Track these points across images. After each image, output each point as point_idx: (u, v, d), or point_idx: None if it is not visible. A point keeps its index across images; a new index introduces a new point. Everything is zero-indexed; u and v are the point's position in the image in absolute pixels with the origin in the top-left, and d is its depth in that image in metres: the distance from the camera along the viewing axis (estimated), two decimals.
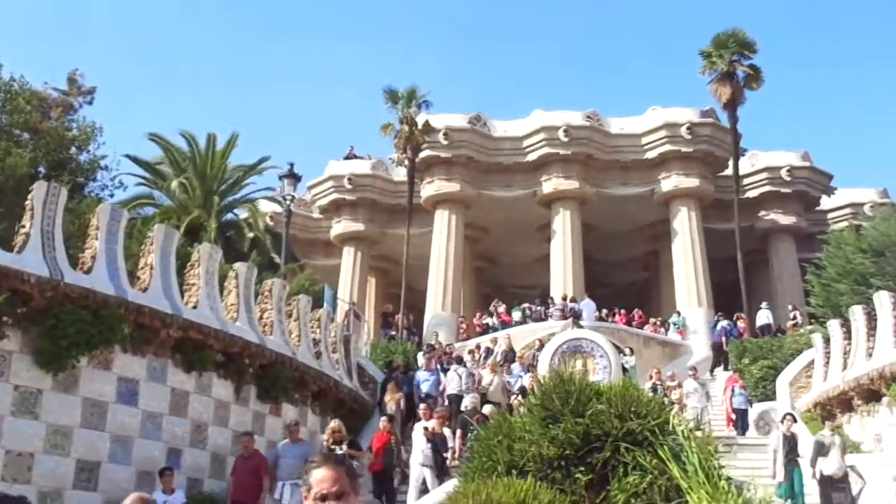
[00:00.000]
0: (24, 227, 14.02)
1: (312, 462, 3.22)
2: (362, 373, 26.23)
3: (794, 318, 34.88)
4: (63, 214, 14.72)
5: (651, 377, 24.19)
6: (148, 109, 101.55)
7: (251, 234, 34.39)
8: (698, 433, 13.99)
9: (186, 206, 33.27)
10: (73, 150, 30.59)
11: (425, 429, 17.38)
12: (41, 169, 28.16)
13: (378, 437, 18.12)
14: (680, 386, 24.55)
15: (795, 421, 18.61)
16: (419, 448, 17.13)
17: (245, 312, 18.57)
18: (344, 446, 16.70)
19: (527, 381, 22.16)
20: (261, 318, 19.65)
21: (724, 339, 33.23)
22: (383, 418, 18.83)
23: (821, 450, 16.34)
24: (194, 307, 16.97)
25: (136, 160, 34.91)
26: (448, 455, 17.65)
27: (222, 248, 21.38)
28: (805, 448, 17.63)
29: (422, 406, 19.33)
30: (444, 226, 41.43)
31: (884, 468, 16.58)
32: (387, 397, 22.08)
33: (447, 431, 18.30)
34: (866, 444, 19.44)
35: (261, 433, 18.42)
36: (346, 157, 47.02)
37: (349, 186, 44.54)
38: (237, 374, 17.85)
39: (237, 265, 19.62)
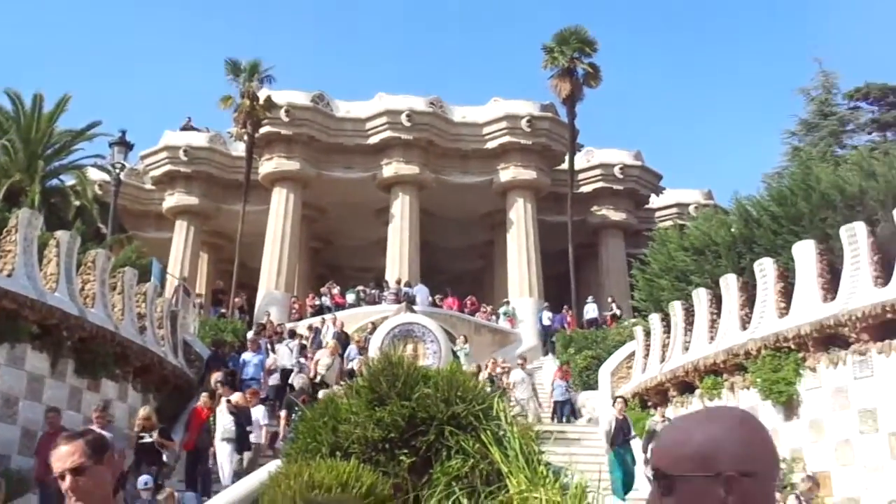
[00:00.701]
0: None
1: None
2: (189, 350, 25.57)
3: (612, 310, 36.19)
4: None
5: (487, 366, 24.41)
6: None
7: (77, 203, 32.87)
8: (521, 419, 14.28)
9: (7, 170, 31.48)
10: None
11: (228, 401, 16.98)
12: None
13: (196, 412, 17.52)
14: (507, 373, 24.96)
15: (627, 404, 19.17)
16: (222, 423, 16.75)
17: (65, 283, 17.77)
18: (154, 434, 16.06)
19: (357, 364, 22.11)
20: (82, 289, 18.84)
21: (563, 326, 34.31)
22: (204, 394, 18.28)
23: (653, 436, 16.79)
24: (9, 275, 16.12)
25: None
26: (252, 430, 17.32)
27: (45, 216, 20.41)
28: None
29: (218, 382, 18.88)
30: (281, 204, 40.81)
31: None
32: (211, 375, 21.58)
33: (261, 409, 17.97)
34: None
35: (77, 409, 17.68)
36: (183, 128, 45.56)
37: (185, 158, 43.22)
38: (54, 346, 17.06)
39: (59, 233, 18.74)
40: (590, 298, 37.67)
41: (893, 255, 17.78)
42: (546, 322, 35.91)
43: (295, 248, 40.62)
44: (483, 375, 22.19)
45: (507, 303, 37.94)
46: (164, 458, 15.89)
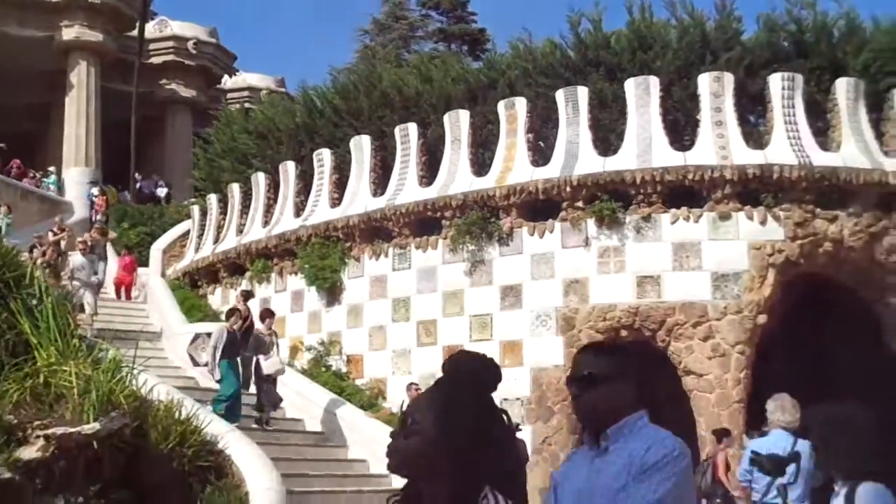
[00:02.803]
0: None
1: None
2: None
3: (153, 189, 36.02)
4: None
5: (45, 253, 21.46)
6: None
7: None
8: (60, 292, 13.66)
9: None
10: None
11: None
12: None
13: None
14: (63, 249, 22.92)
15: (242, 316, 17.61)
16: None
17: None
18: None
19: None
20: None
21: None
22: None
23: (260, 347, 15.94)
24: None
25: None
26: None
27: None
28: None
29: None
30: None
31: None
32: None
33: None
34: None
35: None
36: None
37: None
38: None
39: None
40: (157, 181, 36.95)
41: (439, 158, 19.23)
42: (93, 199, 34.35)
43: None
44: (39, 260, 19.71)
45: (52, 172, 35.83)
46: None
